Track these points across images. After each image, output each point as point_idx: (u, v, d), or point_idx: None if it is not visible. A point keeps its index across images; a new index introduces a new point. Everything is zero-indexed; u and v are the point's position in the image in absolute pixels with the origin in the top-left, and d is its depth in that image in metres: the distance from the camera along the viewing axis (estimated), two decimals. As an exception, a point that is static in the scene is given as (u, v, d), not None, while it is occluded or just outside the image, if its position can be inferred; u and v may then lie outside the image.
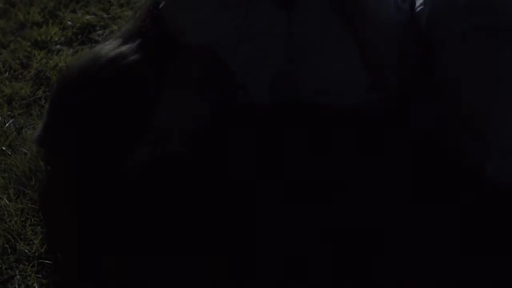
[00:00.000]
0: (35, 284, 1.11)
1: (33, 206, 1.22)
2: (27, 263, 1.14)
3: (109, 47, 1.22)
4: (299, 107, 1.30)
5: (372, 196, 1.20)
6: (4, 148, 1.36)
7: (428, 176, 1.23)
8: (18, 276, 1.12)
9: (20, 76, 1.60)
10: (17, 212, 1.21)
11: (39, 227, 1.18)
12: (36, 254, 1.15)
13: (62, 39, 1.74)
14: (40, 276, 1.12)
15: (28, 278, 1.12)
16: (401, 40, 1.23)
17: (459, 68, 1.19)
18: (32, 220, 1.20)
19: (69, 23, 1.78)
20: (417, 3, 1.24)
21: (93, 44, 1.70)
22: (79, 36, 1.74)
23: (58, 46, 1.71)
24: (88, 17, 1.80)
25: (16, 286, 1.11)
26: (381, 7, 1.22)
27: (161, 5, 1.21)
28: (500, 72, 1.14)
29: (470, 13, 1.19)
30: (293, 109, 1.30)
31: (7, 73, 1.60)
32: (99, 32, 1.75)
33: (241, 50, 1.25)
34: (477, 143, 1.21)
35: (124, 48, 1.20)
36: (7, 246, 1.16)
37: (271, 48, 1.25)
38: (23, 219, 1.20)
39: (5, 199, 1.23)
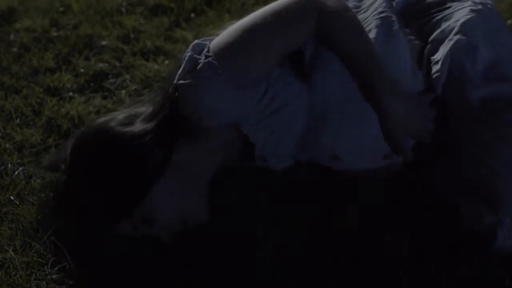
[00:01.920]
0: None
1: (39, 259, 1.21)
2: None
3: (120, 121, 1.24)
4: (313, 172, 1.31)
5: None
6: (12, 197, 1.36)
7: (439, 240, 1.22)
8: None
9: (31, 123, 1.61)
10: (23, 266, 1.20)
11: (44, 282, 1.17)
12: (40, 310, 1.14)
13: (75, 86, 1.75)
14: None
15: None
16: (418, 106, 1.24)
17: (472, 135, 1.19)
18: (37, 275, 1.19)
19: (82, 70, 1.80)
20: (434, 70, 1.25)
21: (105, 93, 1.72)
22: (92, 84, 1.76)
23: (70, 93, 1.72)
24: (101, 64, 1.82)
25: None
26: (399, 75, 1.23)
27: (177, 94, 1.21)
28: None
29: (486, 81, 1.20)
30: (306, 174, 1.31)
31: (18, 119, 1.61)
32: (112, 80, 1.77)
33: (263, 125, 1.25)
34: (489, 210, 1.20)
35: (137, 127, 1.22)
36: (11, 300, 1.15)
37: (294, 120, 1.26)
38: (28, 273, 1.19)
39: (11, 251, 1.23)
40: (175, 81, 1.22)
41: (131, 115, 1.28)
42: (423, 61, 1.29)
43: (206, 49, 1.21)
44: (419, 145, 1.27)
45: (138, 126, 1.22)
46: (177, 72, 1.24)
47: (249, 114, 1.24)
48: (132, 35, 1.96)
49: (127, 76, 1.77)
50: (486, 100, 1.20)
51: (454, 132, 1.24)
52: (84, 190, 1.20)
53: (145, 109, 1.29)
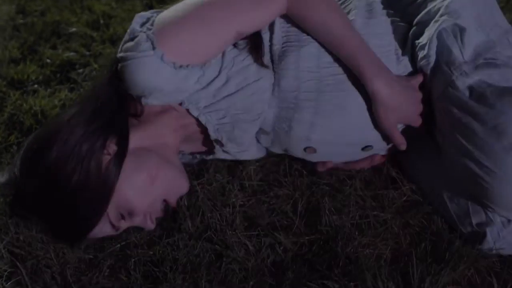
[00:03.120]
0: None
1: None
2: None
3: (65, 121, 1.12)
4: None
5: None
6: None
7: (425, 241, 1.14)
8: None
9: (-7, 119, 1.52)
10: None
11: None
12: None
13: (40, 77, 1.65)
14: None
15: None
16: (407, 90, 1.14)
17: (460, 127, 1.09)
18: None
19: (48, 60, 1.69)
20: (420, 55, 1.15)
21: (72, 85, 1.61)
22: (58, 75, 1.66)
23: (35, 86, 1.62)
24: (68, 53, 1.72)
25: None
26: (381, 59, 1.13)
27: (119, 66, 1.11)
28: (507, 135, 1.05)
29: (475, 67, 1.10)
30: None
31: (-22, 115, 1.52)
32: (79, 70, 1.67)
33: (214, 108, 1.16)
34: (477, 209, 1.11)
35: (76, 114, 1.12)
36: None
37: (251, 106, 1.16)
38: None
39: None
40: (116, 55, 1.12)
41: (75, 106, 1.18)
42: (407, 45, 1.19)
43: (150, 22, 1.10)
44: (405, 133, 1.18)
45: (81, 117, 1.11)
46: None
47: (199, 98, 1.14)
48: (101, 21, 1.85)
49: (95, 66, 1.67)
50: (475, 87, 1.10)
51: (440, 122, 1.15)
52: (42, 209, 1.10)
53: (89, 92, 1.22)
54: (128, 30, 1.12)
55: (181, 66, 1.08)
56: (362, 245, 1.11)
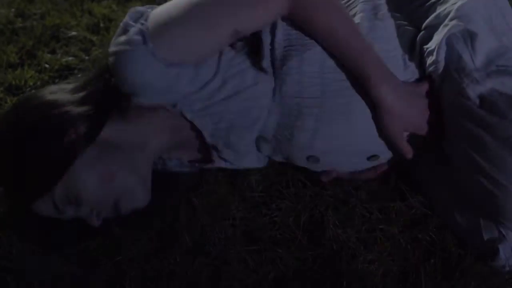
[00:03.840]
0: None
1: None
2: None
3: (51, 90, 1.12)
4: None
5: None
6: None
7: (434, 256, 1.08)
8: None
9: (-11, 127, 1.47)
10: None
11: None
12: None
13: (38, 83, 1.61)
14: None
15: None
16: (414, 98, 1.09)
17: (471, 138, 1.04)
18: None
19: (47, 65, 1.65)
20: (429, 61, 1.09)
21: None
22: (56, 80, 1.61)
23: (33, 92, 1.58)
24: (67, 58, 1.67)
25: None
26: (387, 65, 1.08)
27: (109, 61, 1.07)
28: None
29: (487, 75, 1.04)
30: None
31: (-26, 123, 1.47)
32: (78, 76, 1.62)
33: (209, 111, 1.11)
34: (490, 223, 1.06)
35: (64, 96, 1.09)
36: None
37: (247, 112, 1.11)
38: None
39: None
40: (109, 48, 1.07)
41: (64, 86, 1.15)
42: (415, 50, 1.13)
43: (144, 17, 1.05)
44: (412, 141, 1.12)
45: (66, 96, 1.09)
46: None
47: (193, 100, 1.09)
48: (102, 24, 1.80)
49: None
50: (487, 96, 1.04)
51: (448, 132, 1.09)
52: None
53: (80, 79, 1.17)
54: (121, 24, 1.07)
55: (172, 64, 1.03)
56: (368, 260, 1.06)
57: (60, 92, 1.11)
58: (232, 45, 1.09)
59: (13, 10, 1.89)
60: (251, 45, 1.09)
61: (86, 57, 1.68)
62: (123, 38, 1.04)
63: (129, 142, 1.11)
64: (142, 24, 1.04)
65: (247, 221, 1.16)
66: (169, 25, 1.03)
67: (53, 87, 1.15)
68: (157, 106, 1.10)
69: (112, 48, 1.05)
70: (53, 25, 1.81)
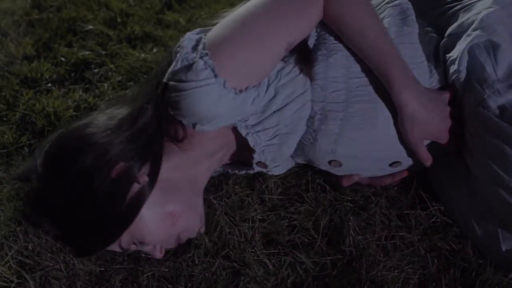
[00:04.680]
0: None
1: (2, 283, 1.08)
2: None
3: (97, 126, 1.08)
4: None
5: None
6: (-24, 207, 1.22)
7: (454, 266, 1.08)
8: None
9: (5, 119, 1.47)
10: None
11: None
12: None
13: (54, 76, 1.60)
14: None
15: None
16: (437, 105, 1.08)
17: (491, 149, 1.03)
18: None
19: (63, 58, 1.64)
20: (451, 70, 1.09)
21: (86, 85, 1.56)
22: (72, 74, 1.61)
23: (48, 85, 1.57)
24: (83, 52, 1.67)
25: None
26: (414, 70, 1.08)
27: (168, 94, 1.05)
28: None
29: (509, 86, 1.03)
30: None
31: (-10, 114, 1.47)
32: (94, 70, 1.61)
33: (263, 126, 1.11)
34: (508, 235, 1.05)
35: (112, 135, 1.06)
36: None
37: (297, 121, 1.11)
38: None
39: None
40: (164, 80, 1.05)
41: (111, 117, 1.12)
42: (439, 57, 1.13)
43: (201, 46, 1.04)
44: (433, 148, 1.12)
45: (119, 135, 1.06)
46: (162, 68, 1.09)
47: (248, 116, 1.09)
48: (119, 19, 1.80)
49: (111, 66, 1.62)
50: (508, 107, 1.03)
51: (469, 142, 1.09)
52: (60, 214, 1.06)
53: (125, 110, 1.13)
54: (178, 55, 1.04)
55: (241, 91, 1.03)
56: (388, 268, 1.05)
57: (110, 133, 1.07)
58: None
59: (29, 1, 1.89)
60: (298, 53, 1.09)
61: (103, 52, 1.67)
62: (188, 72, 1.01)
63: (186, 175, 1.11)
64: (203, 54, 1.02)
65: (266, 223, 1.16)
66: (231, 54, 1.02)
67: (97, 121, 1.10)
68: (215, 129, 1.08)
69: (174, 83, 1.03)
70: (69, 18, 1.80)
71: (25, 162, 1.25)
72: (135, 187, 1.04)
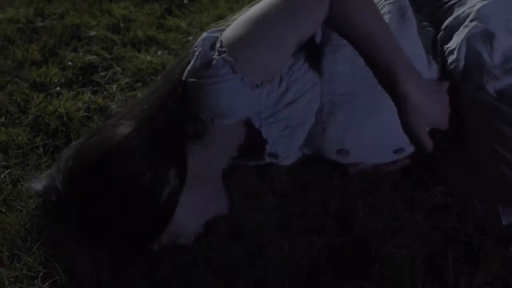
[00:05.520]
0: None
1: (28, 273, 1.13)
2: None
3: (119, 132, 1.13)
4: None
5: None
6: (-2, 203, 1.27)
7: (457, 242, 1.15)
8: None
9: (17, 121, 1.51)
10: (11, 280, 1.11)
11: (34, 298, 1.09)
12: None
13: (62, 80, 1.65)
14: None
15: None
16: (437, 95, 1.16)
17: (490, 130, 1.11)
18: (27, 290, 1.11)
19: (70, 63, 1.69)
20: (450, 59, 1.17)
21: (95, 87, 1.62)
22: (80, 78, 1.66)
23: (57, 88, 1.62)
24: (89, 57, 1.72)
25: None
26: (414, 64, 1.14)
27: (189, 91, 1.11)
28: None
29: (505, 72, 1.11)
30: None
31: (3, 118, 1.51)
32: (101, 73, 1.67)
33: (275, 119, 1.17)
34: (507, 210, 1.13)
35: (133, 135, 1.11)
36: (-1, 318, 1.07)
37: (307, 114, 1.17)
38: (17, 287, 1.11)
39: (-3, 264, 1.14)
40: (184, 78, 1.12)
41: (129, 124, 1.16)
42: (437, 49, 1.21)
43: (218, 44, 1.10)
44: (433, 135, 1.19)
45: (142, 142, 1.11)
46: (179, 68, 1.15)
47: (261, 108, 1.15)
48: (122, 24, 1.85)
49: (118, 69, 1.67)
50: (505, 91, 1.11)
51: (469, 126, 1.16)
52: (100, 228, 1.11)
53: (143, 112, 1.18)
54: (197, 53, 1.11)
55: (257, 85, 1.10)
56: (397, 246, 1.13)
57: (134, 138, 1.11)
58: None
59: (32, 9, 1.93)
60: (307, 49, 1.16)
61: (109, 56, 1.73)
62: (208, 69, 1.08)
63: (209, 168, 1.17)
64: (221, 51, 1.09)
65: (278, 210, 1.22)
66: (248, 50, 1.08)
67: (116, 131, 1.14)
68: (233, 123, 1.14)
69: (193, 80, 1.10)
70: (73, 25, 1.85)
71: (45, 175, 1.24)
72: (166, 190, 1.10)
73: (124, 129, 1.13)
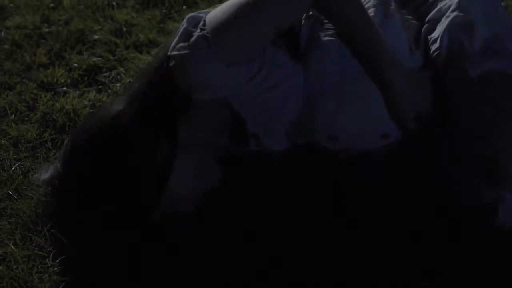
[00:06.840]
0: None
1: (40, 252, 1.20)
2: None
3: (113, 109, 1.23)
4: (311, 153, 1.31)
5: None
6: (10, 192, 1.35)
7: (438, 218, 1.23)
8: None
9: (26, 119, 1.60)
10: (24, 259, 1.19)
11: (46, 275, 1.16)
12: (43, 303, 1.13)
13: (69, 80, 1.74)
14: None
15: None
16: (419, 81, 1.24)
17: (473, 112, 1.19)
18: (39, 268, 1.18)
19: (75, 64, 1.78)
20: (433, 48, 1.26)
21: (100, 87, 1.71)
22: (85, 78, 1.74)
23: (64, 88, 1.71)
24: (94, 58, 1.81)
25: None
26: (396, 54, 1.23)
27: (171, 64, 1.21)
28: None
29: (485, 58, 1.20)
30: (304, 156, 1.31)
31: (13, 115, 1.60)
32: (105, 74, 1.76)
33: (256, 101, 1.26)
34: (490, 185, 1.20)
35: (125, 110, 1.21)
36: (13, 294, 1.14)
37: (287, 99, 1.26)
38: (29, 266, 1.18)
39: (11, 245, 1.21)
40: (168, 53, 1.21)
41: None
42: (420, 40, 1.29)
43: (202, 23, 1.20)
44: (418, 120, 1.27)
45: (132, 109, 1.21)
46: (167, 46, 1.24)
47: (241, 91, 1.24)
48: (124, 29, 1.94)
49: (121, 69, 1.76)
50: (486, 75, 1.20)
51: (453, 109, 1.25)
52: (109, 190, 1.20)
53: (135, 89, 1.28)
54: (181, 30, 1.21)
55: (232, 64, 1.19)
56: (384, 221, 1.21)
57: (126, 114, 1.22)
58: (273, 42, 1.24)
59: (38, 16, 2.02)
60: (289, 40, 1.24)
61: (112, 57, 1.81)
62: (187, 43, 1.18)
63: (199, 139, 1.26)
64: (203, 29, 1.18)
65: (274, 198, 1.30)
66: (228, 30, 1.18)
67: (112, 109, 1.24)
68: (211, 100, 1.23)
69: (175, 53, 1.19)
70: (77, 30, 1.94)
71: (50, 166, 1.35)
72: (159, 156, 1.18)
73: (118, 106, 1.23)
